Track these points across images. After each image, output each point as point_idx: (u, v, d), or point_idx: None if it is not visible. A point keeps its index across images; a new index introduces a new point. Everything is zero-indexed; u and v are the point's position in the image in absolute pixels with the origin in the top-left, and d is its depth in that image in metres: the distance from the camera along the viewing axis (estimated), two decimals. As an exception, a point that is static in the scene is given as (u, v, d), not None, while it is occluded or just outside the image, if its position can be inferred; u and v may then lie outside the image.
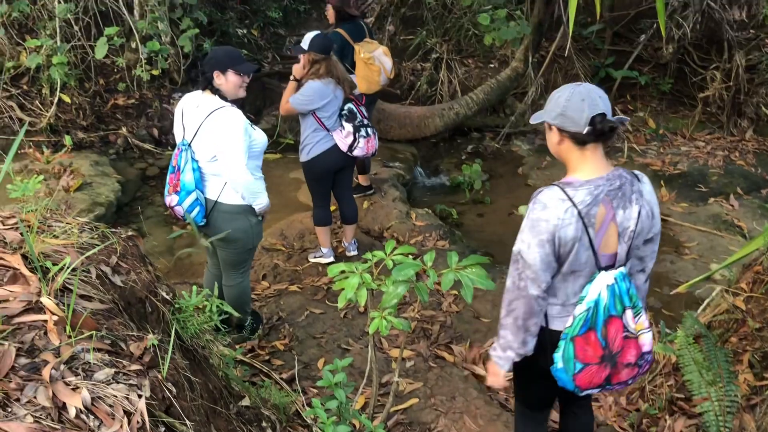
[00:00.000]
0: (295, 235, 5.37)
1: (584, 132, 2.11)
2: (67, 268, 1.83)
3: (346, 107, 4.52)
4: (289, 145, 7.05)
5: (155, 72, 7.13)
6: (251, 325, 3.96)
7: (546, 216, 2.11)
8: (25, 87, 6.89)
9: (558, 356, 2.20)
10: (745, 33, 7.64)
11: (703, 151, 7.24)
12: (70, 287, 1.80)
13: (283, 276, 4.84)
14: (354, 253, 5.00)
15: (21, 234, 1.93)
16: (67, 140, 6.50)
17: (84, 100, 7.06)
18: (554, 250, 2.13)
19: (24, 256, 1.86)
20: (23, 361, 1.53)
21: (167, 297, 2.37)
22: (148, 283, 2.21)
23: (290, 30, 10.05)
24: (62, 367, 1.54)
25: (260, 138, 3.48)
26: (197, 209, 3.42)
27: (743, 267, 3.46)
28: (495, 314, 4.20)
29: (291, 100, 4.40)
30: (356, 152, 4.55)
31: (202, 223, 3.49)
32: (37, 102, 6.85)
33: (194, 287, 2.63)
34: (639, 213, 2.16)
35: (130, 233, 2.41)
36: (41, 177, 2.56)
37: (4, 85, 6.74)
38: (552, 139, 2.25)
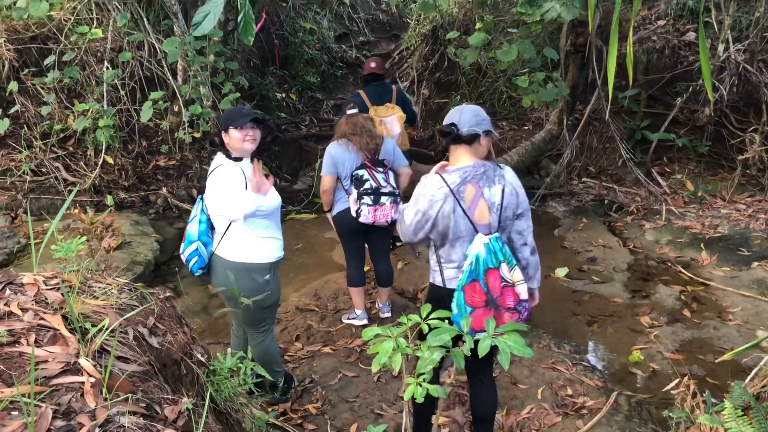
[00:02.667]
0: (329, 295, 5.36)
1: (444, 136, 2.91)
2: (106, 329, 1.84)
3: (356, 172, 4.35)
4: (325, 205, 7.12)
5: (197, 135, 7.34)
6: (283, 388, 3.91)
7: (424, 192, 2.84)
8: (71, 149, 7.15)
9: (453, 305, 2.79)
10: (784, 96, 7.56)
11: (744, 213, 7.07)
12: (108, 348, 1.81)
13: (316, 337, 4.81)
14: (388, 314, 4.96)
15: (62, 295, 1.96)
16: (109, 200, 6.69)
17: (127, 161, 7.30)
18: (427, 222, 2.83)
19: (64, 317, 1.89)
20: (59, 423, 1.53)
21: (202, 359, 2.36)
22: (183, 345, 2.22)
23: (327, 94, 10.32)
24: (97, 430, 1.53)
25: (267, 200, 3.39)
26: (195, 259, 3.46)
27: (792, 335, 3.33)
28: (533, 380, 4.09)
29: (322, 173, 4.47)
30: (361, 219, 4.35)
31: (198, 274, 3.52)
32: (81, 163, 7.09)
33: (229, 349, 2.63)
34: (503, 191, 2.84)
35: (167, 294, 2.43)
36: (84, 238, 2.61)
37: (52, 147, 7.00)
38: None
